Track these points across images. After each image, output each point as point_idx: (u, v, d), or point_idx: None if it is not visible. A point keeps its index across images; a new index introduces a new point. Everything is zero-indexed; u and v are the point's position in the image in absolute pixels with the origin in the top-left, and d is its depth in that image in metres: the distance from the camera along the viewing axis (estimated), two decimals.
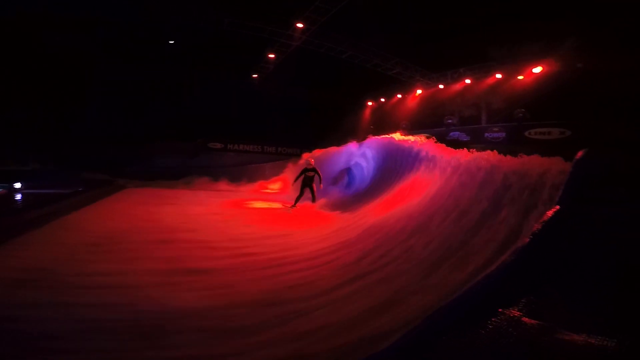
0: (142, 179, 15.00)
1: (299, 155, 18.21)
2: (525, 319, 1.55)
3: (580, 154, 4.87)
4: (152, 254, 5.23)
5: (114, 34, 14.41)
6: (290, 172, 17.15)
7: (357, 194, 11.96)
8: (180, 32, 14.39)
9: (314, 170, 9.72)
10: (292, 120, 19.53)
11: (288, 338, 2.99)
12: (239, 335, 3.04)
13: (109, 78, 16.37)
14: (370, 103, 19.27)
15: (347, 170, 14.46)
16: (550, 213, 3.21)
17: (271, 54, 15.30)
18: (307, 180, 9.62)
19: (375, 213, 8.09)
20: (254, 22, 12.67)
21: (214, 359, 2.70)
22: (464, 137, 13.12)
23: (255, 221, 8.55)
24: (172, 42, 15.80)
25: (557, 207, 3.33)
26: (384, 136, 13.80)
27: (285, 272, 4.79)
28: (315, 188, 9.80)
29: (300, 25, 12.52)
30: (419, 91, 16.19)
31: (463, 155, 8.17)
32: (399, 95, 17.37)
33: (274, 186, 16.93)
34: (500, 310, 1.60)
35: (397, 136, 12.98)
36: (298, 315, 3.39)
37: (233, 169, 17.84)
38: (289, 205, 10.40)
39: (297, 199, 9.75)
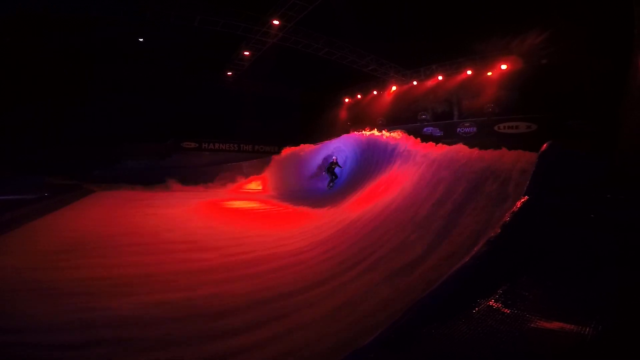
0: (110, 183, 14.30)
1: (277, 153, 18.06)
2: (502, 308, 1.61)
3: (545, 146, 5.14)
4: (131, 257, 5.03)
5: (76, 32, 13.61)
6: (272, 170, 16.99)
7: (335, 191, 12.05)
8: (150, 29, 13.77)
9: (336, 163, 13.87)
10: (270, 118, 19.28)
11: (276, 335, 2.99)
12: (230, 334, 3.02)
13: (71, 78, 15.39)
14: (347, 100, 19.38)
15: (326, 167, 14.55)
16: (519, 204, 3.36)
17: (246, 51, 14.98)
18: (332, 170, 13.84)
19: (353, 209, 8.17)
20: (227, 19, 12.34)
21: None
22: (437, 132, 13.51)
23: (234, 221, 8.39)
24: (141, 40, 15.09)
25: (526, 197, 3.51)
26: (360, 132, 13.96)
27: (267, 270, 4.76)
28: (336, 175, 13.96)
29: (276, 22, 12.34)
30: (393, 87, 16.45)
31: (437, 150, 8.42)
32: (375, 92, 17.57)
33: (253, 185, 16.69)
34: (478, 300, 1.66)
35: (372, 132, 13.18)
36: (281, 315, 3.38)
37: (209, 169, 17.39)
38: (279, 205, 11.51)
39: (331, 181, 13.78)
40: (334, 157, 14.10)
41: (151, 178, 15.41)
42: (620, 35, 7.13)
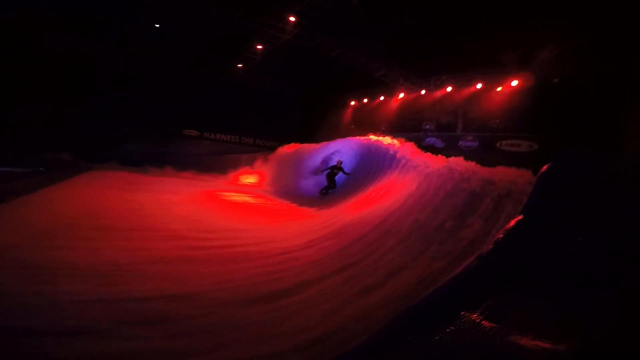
0: (109, 163, 14.27)
1: (276, 149, 18.05)
2: (484, 322, 1.64)
3: (544, 168, 5.15)
4: (119, 242, 5.00)
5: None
6: (271, 165, 16.99)
7: (332, 192, 12.05)
8: (165, 16, 13.81)
9: (340, 168, 11.72)
10: (274, 113, 19.26)
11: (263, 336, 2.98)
12: (215, 329, 3.01)
13: (73, 76, 15.38)
14: (353, 102, 19.37)
15: (325, 168, 14.50)
16: (513, 222, 3.38)
17: (259, 45, 15.01)
18: (333, 175, 11.67)
19: (349, 212, 8.18)
20: (244, 12, 12.36)
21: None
22: (439, 144, 13.48)
23: (228, 213, 8.39)
24: (157, 25, 15.11)
25: (521, 216, 3.52)
26: (362, 137, 13.95)
27: (259, 265, 4.76)
28: (335, 182, 11.81)
29: (292, 18, 12.35)
30: (401, 95, 16.45)
31: (436, 162, 8.45)
32: (382, 97, 17.56)
33: (250, 178, 16.69)
34: (462, 313, 1.68)
35: (374, 137, 13.17)
36: (271, 311, 3.38)
37: (208, 159, 17.37)
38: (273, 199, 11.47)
39: (328, 188, 11.60)
40: (338, 160, 12.30)
41: (150, 162, 15.38)
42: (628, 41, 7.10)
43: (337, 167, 11.79)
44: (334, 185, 11.79)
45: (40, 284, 3.35)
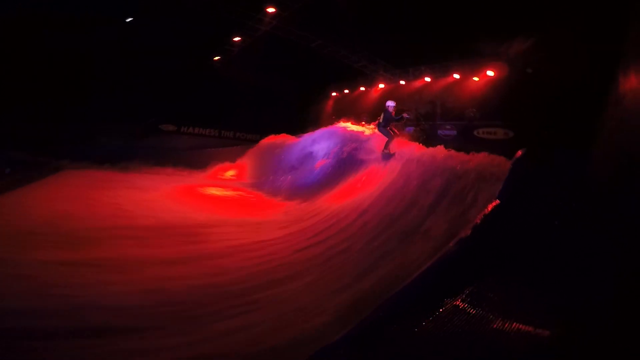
0: (81, 161, 13.59)
1: (258, 141, 17.78)
2: (466, 308, 1.67)
3: (519, 153, 5.31)
4: (97, 242, 4.81)
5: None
6: (251, 159, 16.73)
7: (312, 184, 11.99)
8: (142, 9, 13.20)
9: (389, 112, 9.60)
10: (254, 106, 18.90)
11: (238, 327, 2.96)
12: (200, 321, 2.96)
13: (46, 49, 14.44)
14: (334, 94, 19.27)
15: (304, 160, 14.31)
16: (490, 207, 3.47)
17: (237, 36, 14.58)
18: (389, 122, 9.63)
19: (330, 203, 8.20)
20: (222, 2, 11.93)
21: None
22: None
23: (208, 208, 8.23)
24: (131, 19, 14.40)
25: (497, 201, 3.62)
26: (339, 125, 13.89)
27: (241, 259, 4.71)
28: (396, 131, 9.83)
29: (271, 9, 12.03)
30: (381, 85, 16.50)
31: (415, 149, 8.57)
32: (362, 88, 17.56)
33: (231, 172, 16.41)
34: (445, 300, 1.71)
35: (351, 126, 13.15)
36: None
37: (186, 153, 16.90)
38: None
39: (389, 142, 9.41)
40: (390, 105, 9.87)
41: (125, 159, 14.78)
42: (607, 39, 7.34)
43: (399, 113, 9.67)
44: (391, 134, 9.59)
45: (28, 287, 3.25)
